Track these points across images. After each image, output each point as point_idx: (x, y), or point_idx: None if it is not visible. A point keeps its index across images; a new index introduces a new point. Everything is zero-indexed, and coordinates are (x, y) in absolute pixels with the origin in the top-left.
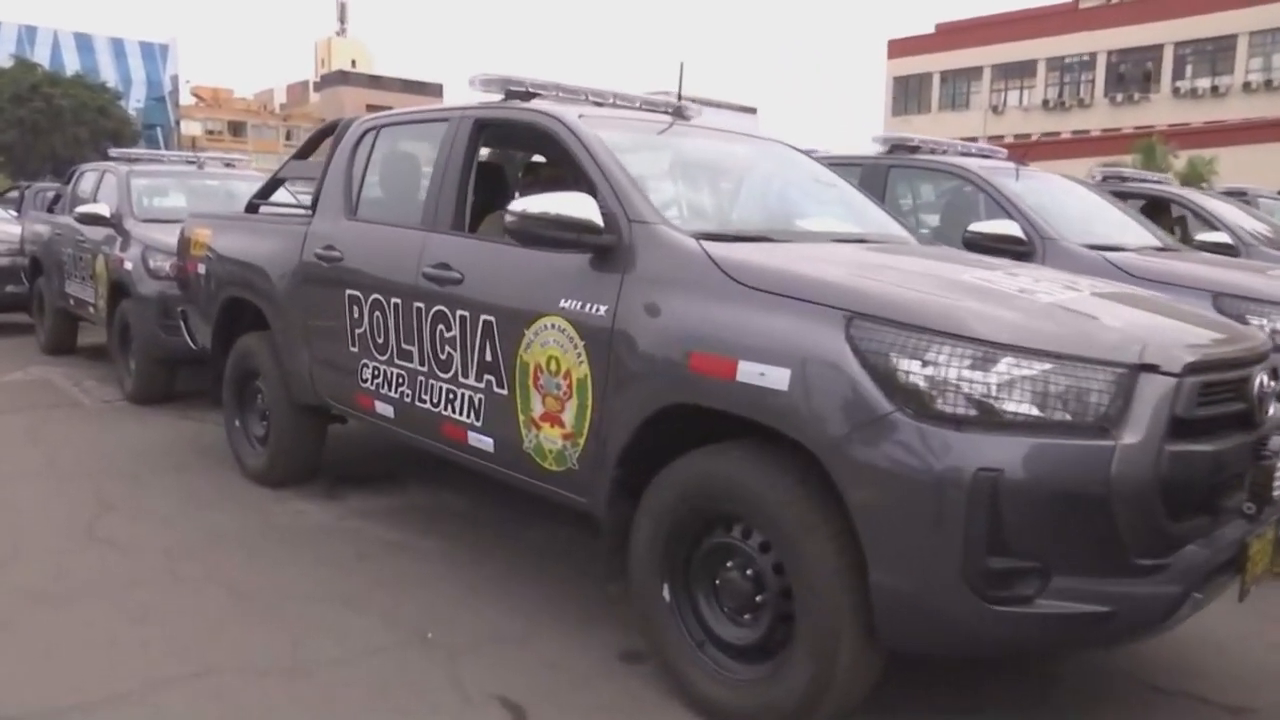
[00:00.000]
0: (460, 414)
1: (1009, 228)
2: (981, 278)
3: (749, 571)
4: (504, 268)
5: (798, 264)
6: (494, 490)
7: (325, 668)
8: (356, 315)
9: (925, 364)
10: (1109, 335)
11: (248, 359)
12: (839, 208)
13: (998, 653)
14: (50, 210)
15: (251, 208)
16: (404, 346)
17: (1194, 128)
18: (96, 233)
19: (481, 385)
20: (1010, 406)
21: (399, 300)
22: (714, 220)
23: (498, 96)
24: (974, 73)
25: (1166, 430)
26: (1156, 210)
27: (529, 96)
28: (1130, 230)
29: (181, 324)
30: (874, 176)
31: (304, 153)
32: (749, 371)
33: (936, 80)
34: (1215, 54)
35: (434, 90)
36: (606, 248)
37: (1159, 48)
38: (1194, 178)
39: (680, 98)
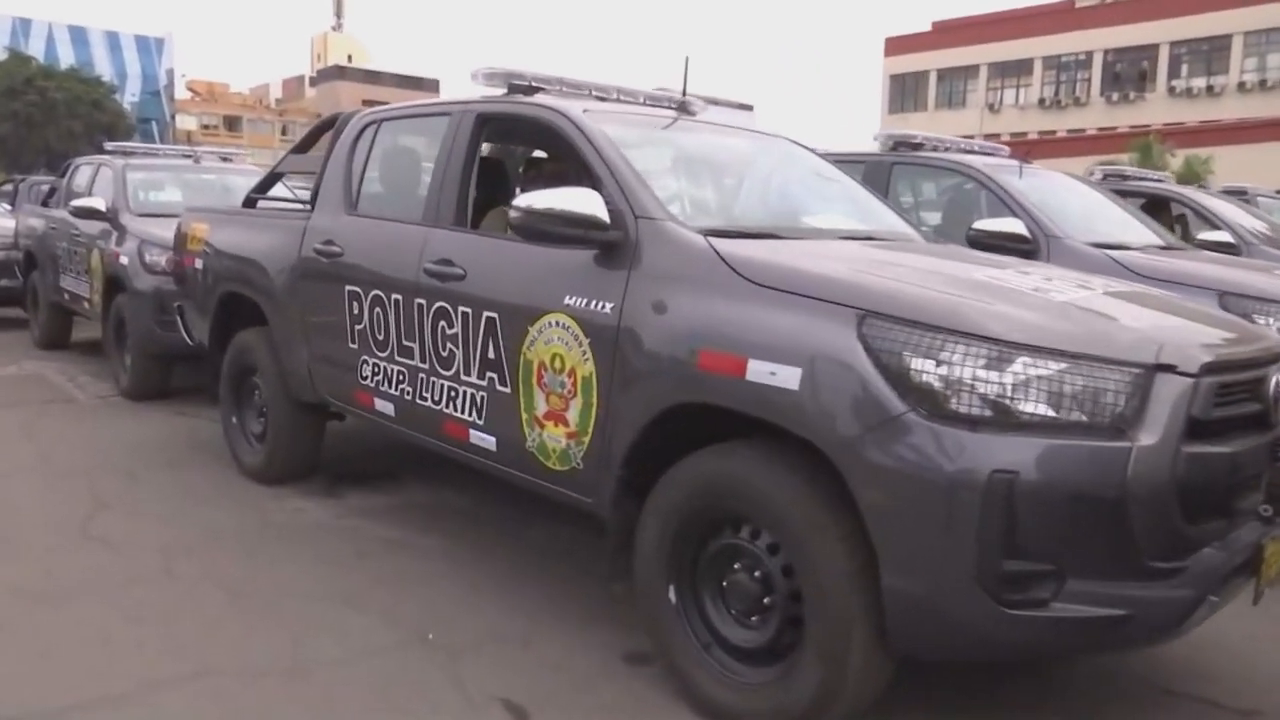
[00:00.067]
0: (462, 412)
1: (1014, 225)
2: (993, 276)
3: (757, 573)
4: (507, 264)
5: (808, 261)
6: (495, 488)
7: (325, 668)
8: (356, 311)
9: (939, 363)
10: (1125, 335)
11: (245, 355)
12: (845, 204)
13: (1011, 657)
14: (45, 204)
15: (249, 202)
16: (405, 343)
17: (1189, 127)
18: (92, 227)
19: (484, 383)
20: (1026, 407)
21: (400, 296)
22: (720, 216)
23: (500, 91)
24: (970, 71)
25: (1183, 431)
26: (1156, 209)
27: (532, 91)
28: (1133, 229)
29: (178, 319)
30: (877, 173)
31: (303, 147)
32: (759, 370)
33: (933, 78)
34: (1210, 54)
35: (431, 85)
36: (612, 244)
37: (1154, 47)
38: (1190, 177)
39: (685, 93)
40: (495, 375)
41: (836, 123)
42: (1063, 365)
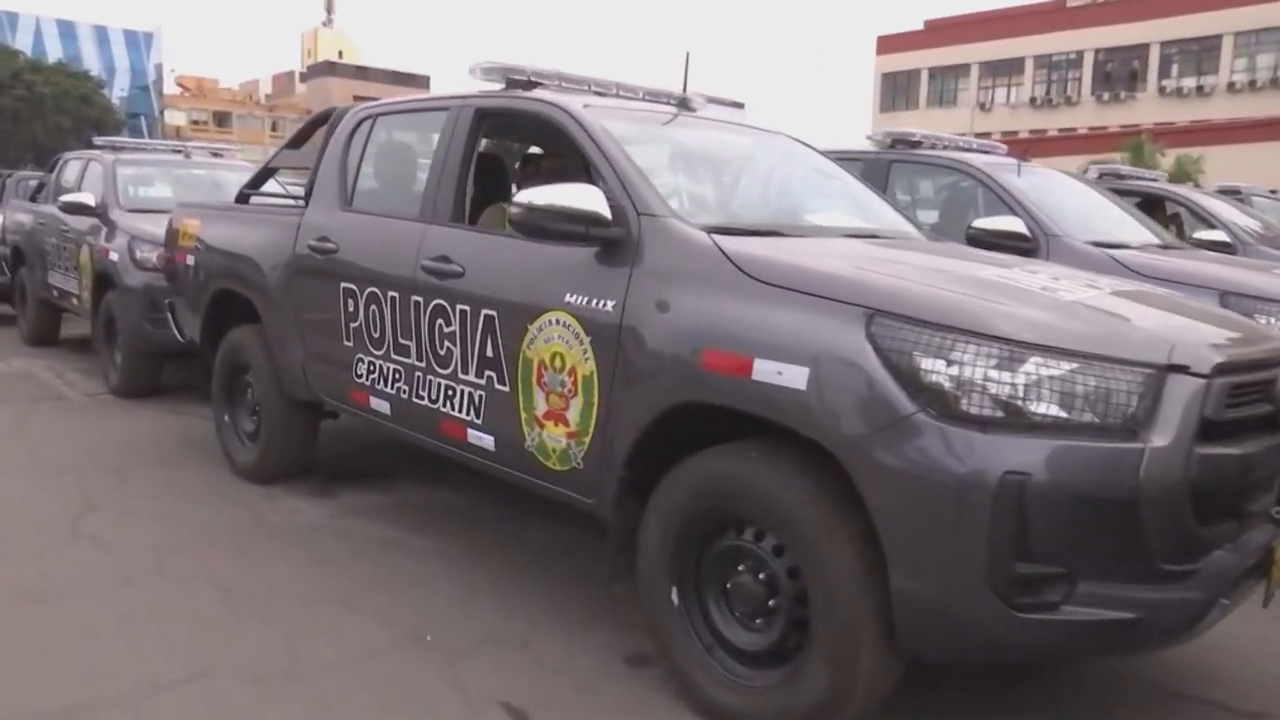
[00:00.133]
0: (460, 411)
1: (1013, 224)
2: (1001, 275)
3: (761, 575)
4: (507, 261)
5: (814, 259)
6: (491, 487)
7: (321, 671)
8: (352, 309)
9: (950, 363)
10: (1137, 335)
11: (238, 353)
12: (846, 202)
13: (1021, 660)
14: (33, 199)
15: (242, 198)
16: (401, 341)
17: (1179, 127)
18: (81, 223)
19: (482, 381)
20: (1037, 408)
21: (396, 294)
22: (722, 213)
23: (498, 86)
24: (962, 70)
25: (1196, 433)
26: (1150, 208)
27: (530, 86)
28: (1130, 228)
29: (169, 316)
30: (875, 171)
31: (297, 142)
32: (765, 369)
33: (925, 77)
34: (1200, 54)
35: (421, 82)
36: (614, 241)
37: (1145, 47)
38: (1182, 176)
39: (685, 89)
40: (494, 374)
41: (828, 121)
42: (1075, 365)
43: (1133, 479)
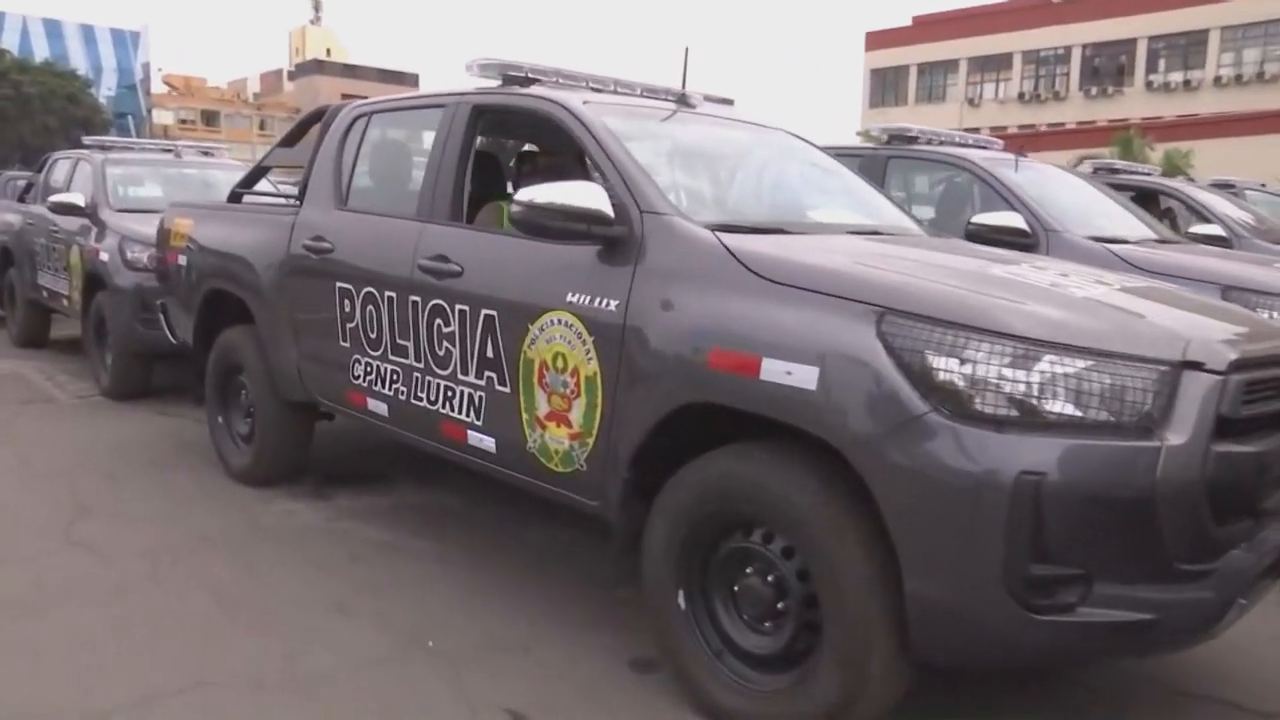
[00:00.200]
0: (459, 412)
1: (1013, 220)
2: (1010, 272)
3: (770, 577)
4: (506, 260)
5: (820, 257)
6: (489, 489)
7: (321, 678)
8: (348, 309)
9: (963, 362)
10: (1151, 331)
11: (231, 354)
12: (847, 198)
13: (1036, 663)
14: (21, 199)
15: (235, 197)
16: (399, 342)
17: (1167, 121)
18: (70, 223)
19: (482, 382)
20: (1052, 406)
21: (393, 293)
22: (725, 211)
23: (495, 82)
24: (950, 65)
25: (1212, 430)
26: (1143, 202)
27: (528, 82)
28: (1127, 222)
29: (161, 317)
30: (873, 167)
31: (290, 140)
32: (774, 369)
33: (913, 73)
34: (1187, 48)
35: (410, 80)
36: (616, 239)
37: (1132, 42)
38: (1171, 170)
39: (684, 85)
40: (494, 375)
41: (818, 117)
42: (1090, 363)
43: (1149, 478)
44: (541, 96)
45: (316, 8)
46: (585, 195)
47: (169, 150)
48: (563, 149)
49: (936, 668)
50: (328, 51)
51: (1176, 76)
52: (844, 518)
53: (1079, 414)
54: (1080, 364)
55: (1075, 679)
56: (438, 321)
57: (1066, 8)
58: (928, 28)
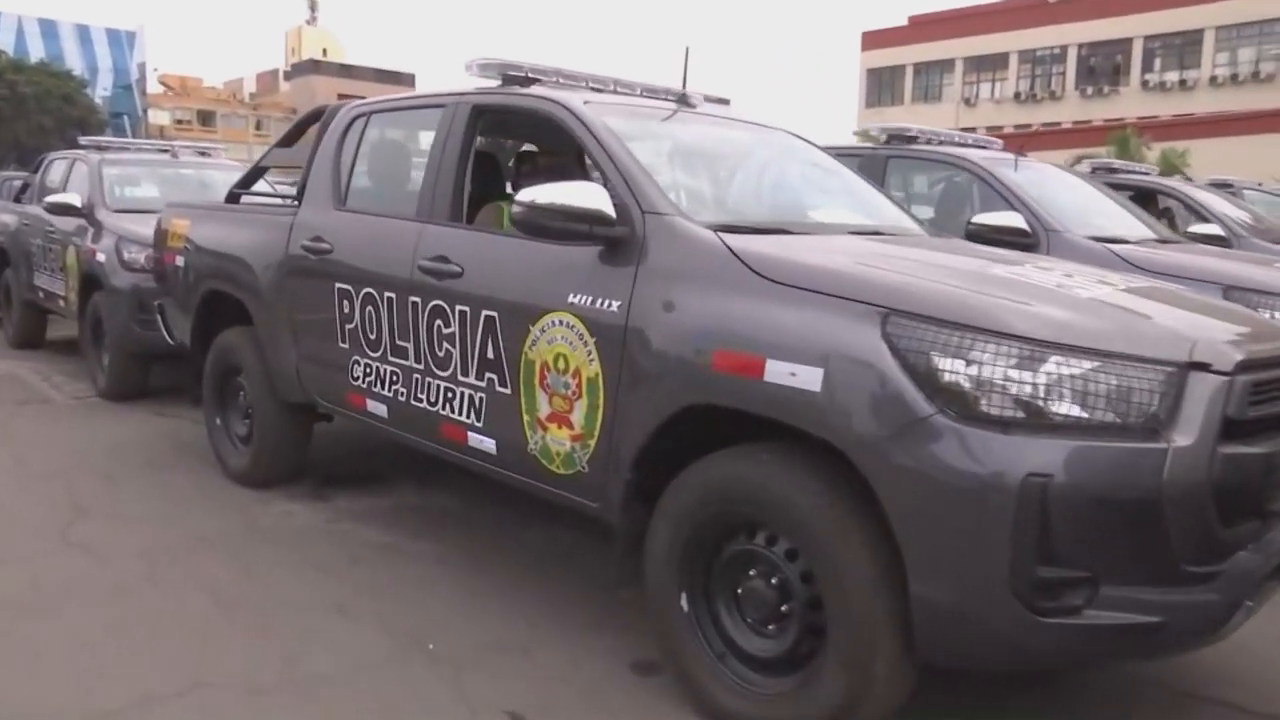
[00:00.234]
0: (460, 414)
1: (1013, 219)
2: (1014, 272)
3: (774, 580)
4: (507, 261)
5: (824, 257)
6: (488, 490)
7: (323, 681)
8: (347, 310)
9: (969, 363)
10: (1157, 332)
11: (229, 355)
12: (849, 198)
13: (1042, 666)
14: (18, 200)
15: (232, 197)
16: (398, 343)
17: (1162, 121)
18: (67, 223)
19: (483, 384)
20: (1059, 408)
21: (393, 294)
22: (727, 211)
23: (495, 82)
24: (946, 65)
25: (1219, 432)
26: (1140, 202)
27: (528, 82)
28: (1127, 222)
29: (158, 318)
30: (872, 167)
31: (289, 140)
32: (778, 371)
33: (910, 73)
34: (1183, 48)
35: (407, 80)
36: (618, 240)
37: (1128, 41)
38: (1168, 170)
39: (685, 84)
40: (495, 376)
41: (814, 117)
42: (1097, 364)
43: (1156, 480)
44: (542, 96)
45: (313, 8)
46: (587, 196)
47: (166, 150)
48: (562, 149)
49: (940, 668)
50: (324, 51)
51: (1172, 76)
52: (848, 520)
53: (1085, 415)
54: (1086, 365)
55: (1080, 680)
56: (438, 322)
57: (1062, 7)
58: (923, 28)
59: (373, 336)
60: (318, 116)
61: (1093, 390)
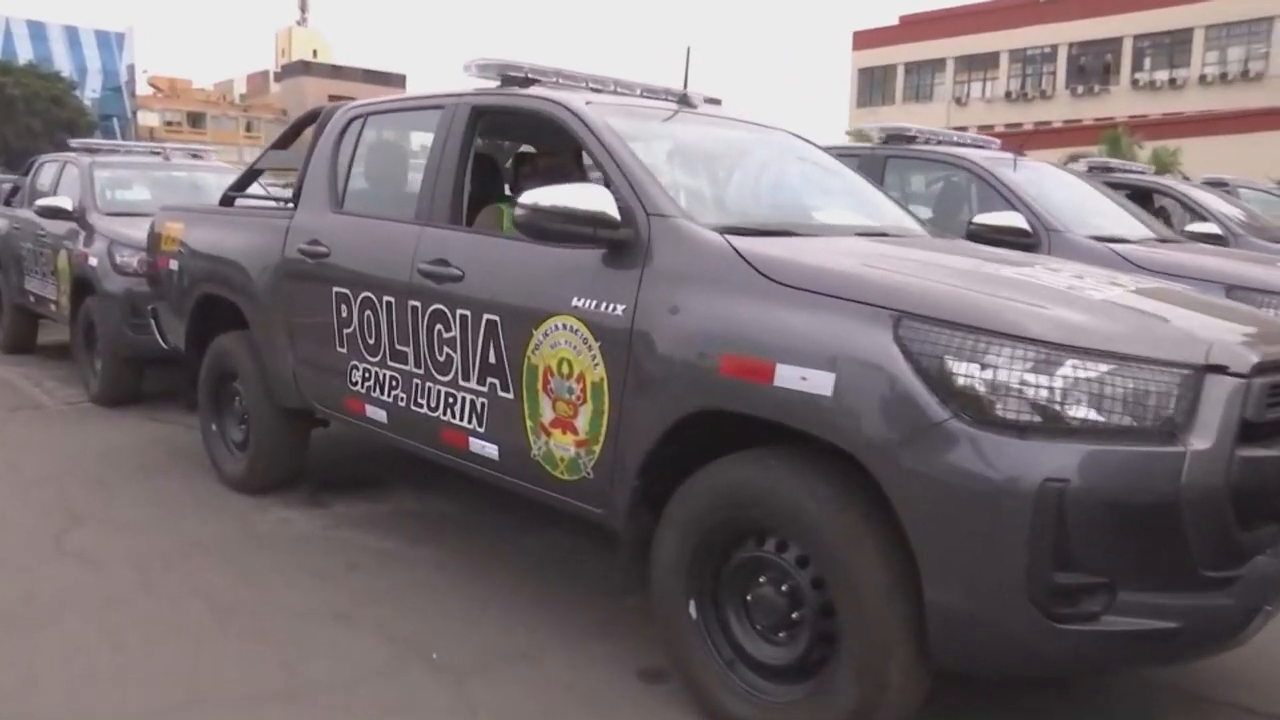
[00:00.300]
0: (461, 419)
1: (1014, 219)
2: (1025, 274)
3: (784, 587)
4: (509, 264)
5: (832, 260)
6: (488, 495)
7: (325, 692)
8: (345, 314)
9: (984, 367)
10: (1173, 334)
11: (225, 360)
12: (852, 199)
13: (1058, 673)
14: (8, 203)
15: (227, 200)
16: (398, 347)
17: (1153, 119)
18: (58, 227)
19: (484, 389)
20: (1075, 411)
21: (392, 298)
22: (732, 213)
23: (494, 83)
24: (938, 64)
25: (1236, 435)
26: (1137, 200)
27: (527, 82)
28: (1125, 221)
29: (152, 322)
30: (871, 166)
31: (284, 142)
32: (788, 375)
33: (901, 72)
34: (1172, 47)
35: (397, 81)
36: (623, 243)
37: (1118, 40)
38: (1161, 169)
39: (686, 85)
40: (497, 381)
41: (805, 117)
42: (1113, 367)
43: (1174, 484)
44: (543, 97)
45: (303, 8)
46: (591, 198)
47: (157, 153)
48: (562, 150)
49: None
50: (314, 53)
51: (1162, 75)
52: (860, 525)
53: (1102, 419)
54: (1103, 368)
55: (1092, 681)
56: (438, 327)
57: (1052, 7)
58: (914, 27)
59: (371, 341)
60: (313, 118)
61: (1109, 394)
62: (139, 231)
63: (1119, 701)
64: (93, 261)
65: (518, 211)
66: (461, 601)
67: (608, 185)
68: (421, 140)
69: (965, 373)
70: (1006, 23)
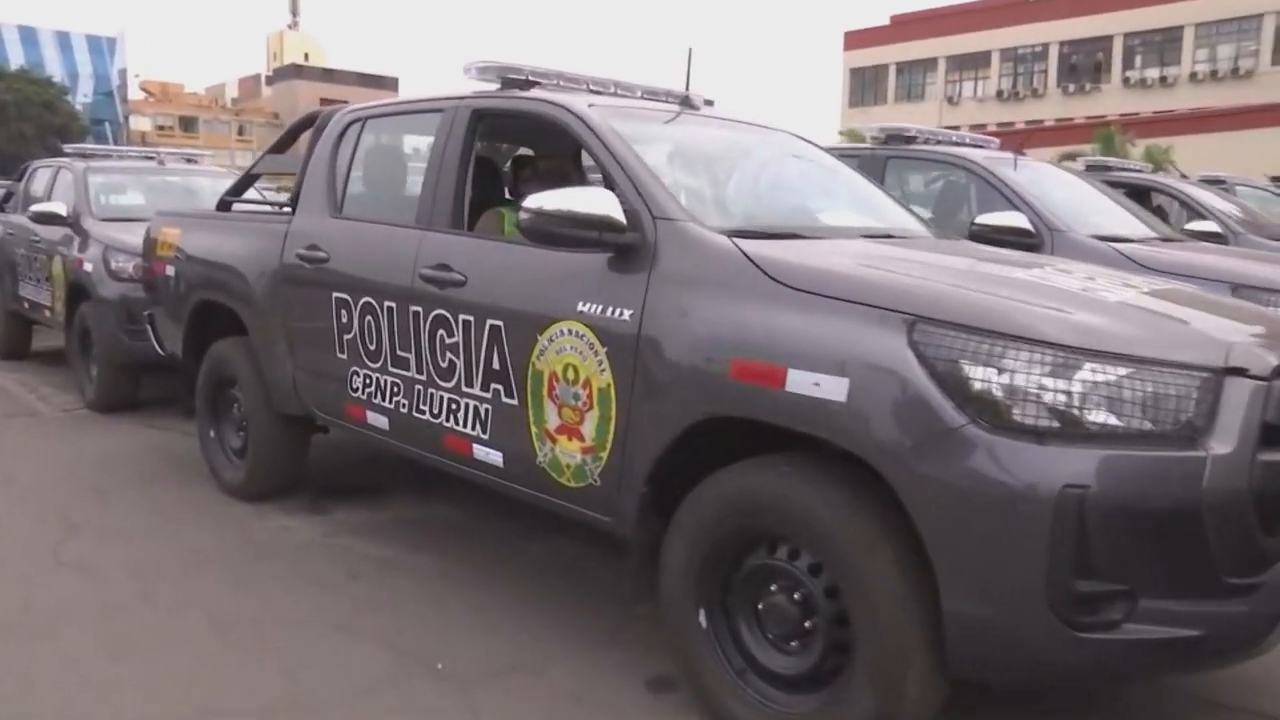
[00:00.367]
0: (464, 426)
1: (1017, 220)
2: (1037, 276)
3: (796, 595)
4: (512, 269)
5: (842, 262)
6: (489, 501)
7: (328, 704)
8: (345, 320)
9: (1001, 371)
10: (1192, 337)
11: (223, 366)
12: (856, 201)
13: (1078, 682)
14: (1, 209)
15: (224, 205)
16: (399, 353)
17: (1145, 117)
18: (52, 232)
19: (488, 395)
20: (1094, 416)
21: (393, 304)
22: (736, 215)
23: (494, 85)
24: (929, 64)
25: (1258, 438)
26: (1134, 199)
27: (528, 85)
28: (1126, 220)
29: (149, 329)
30: (872, 167)
31: (281, 147)
32: (801, 381)
33: (892, 72)
34: (1163, 45)
35: (390, 84)
36: (629, 247)
37: (1109, 39)
38: (1155, 166)
39: (688, 86)
40: (501, 387)
41: (797, 117)
42: (1132, 371)
43: (1196, 489)
44: (545, 100)
45: (294, 12)
46: (597, 202)
47: (151, 157)
48: (561, 152)
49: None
50: (306, 56)
51: (1153, 73)
52: (874, 532)
53: (1121, 424)
54: (1122, 372)
55: (1110, 687)
56: (440, 332)
57: (1042, 5)
58: (906, 27)
59: (372, 347)
60: (311, 122)
61: (1129, 398)
62: (134, 237)
63: (1137, 709)
64: (88, 267)
65: (522, 216)
66: (465, 610)
67: (611, 188)
68: (421, 143)
69: (982, 377)
70: (997, 22)
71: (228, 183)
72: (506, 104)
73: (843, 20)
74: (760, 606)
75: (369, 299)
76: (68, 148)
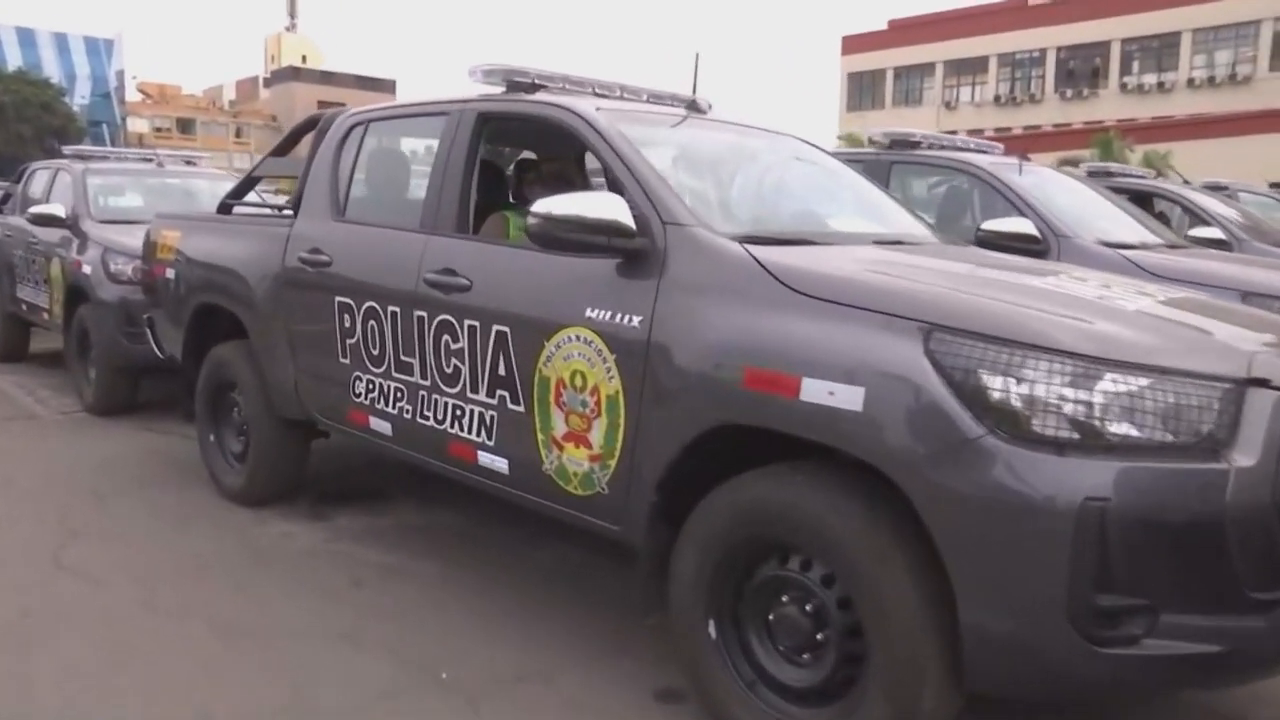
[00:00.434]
0: (469, 432)
1: (1023, 225)
2: (1053, 284)
3: (808, 606)
4: (519, 274)
5: (855, 270)
6: (493, 508)
7: (334, 715)
8: (348, 324)
9: (1020, 381)
10: (1214, 347)
11: (223, 370)
12: (865, 207)
13: (1097, 697)
14: None
15: (224, 208)
16: (403, 358)
17: (1143, 123)
18: (50, 234)
19: (494, 401)
20: (1115, 428)
21: (397, 308)
22: (745, 221)
23: (499, 89)
24: (927, 69)
25: None
26: (1136, 205)
27: (533, 88)
28: (1131, 226)
29: (148, 332)
30: (876, 172)
31: (283, 149)
32: (815, 389)
33: (890, 76)
34: (1160, 50)
35: (388, 86)
36: (638, 252)
37: (1106, 44)
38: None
39: (695, 90)
40: (506, 393)
41: (794, 121)
42: (1153, 381)
43: (1219, 502)
44: (553, 103)
45: (292, 14)
46: (605, 206)
47: (150, 159)
48: (565, 156)
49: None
50: (303, 58)
51: (1150, 79)
52: (889, 542)
53: (1143, 435)
54: (1144, 382)
55: (1126, 698)
56: (445, 337)
57: (1040, 10)
58: (903, 31)
59: (376, 352)
60: (312, 125)
61: (1151, 409)
62: (133, 239)
63: (1131, 714)
64: (86, 269)
65: (530, 220)
66: (470, 618)
67: (619, 192)
68: (426, 147)
69: (1000, 387)
70: (995, 27)
71: (226, 185)
72: (513, 107)
73: (840, 24)
74: (771, 617)
75: (372, 303)
76: (66, 149)
